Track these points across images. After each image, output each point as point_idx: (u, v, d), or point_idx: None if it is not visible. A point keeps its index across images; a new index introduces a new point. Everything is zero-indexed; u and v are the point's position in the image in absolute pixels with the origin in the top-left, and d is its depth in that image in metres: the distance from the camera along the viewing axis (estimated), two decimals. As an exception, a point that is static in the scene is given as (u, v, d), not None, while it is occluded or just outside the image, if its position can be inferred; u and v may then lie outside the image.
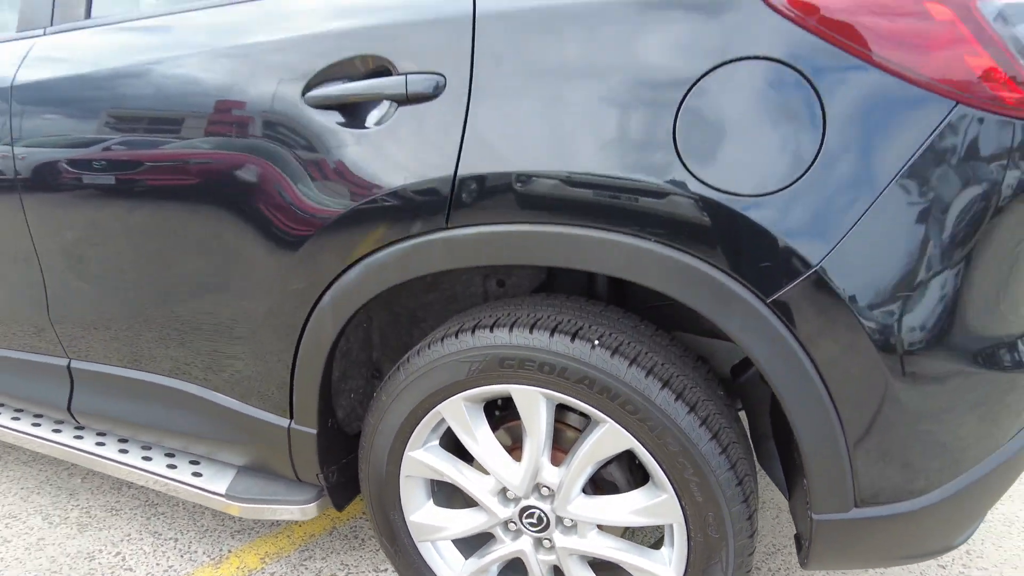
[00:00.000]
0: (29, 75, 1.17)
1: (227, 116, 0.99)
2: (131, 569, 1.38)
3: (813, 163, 0.73)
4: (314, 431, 1.11)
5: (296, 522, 1.52)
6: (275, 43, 0.95)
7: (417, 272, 0.92)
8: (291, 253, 0.98)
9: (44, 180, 1.18)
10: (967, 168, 0.72)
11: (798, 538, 0.97)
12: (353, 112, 0.91)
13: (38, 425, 1.47)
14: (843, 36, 0.72)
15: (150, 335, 1.20)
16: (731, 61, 0.74)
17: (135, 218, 1.11)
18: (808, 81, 0.73)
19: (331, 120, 0.92)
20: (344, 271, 0.96)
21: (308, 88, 0.93)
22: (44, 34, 1.19)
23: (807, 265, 0.74)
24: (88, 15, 1.17)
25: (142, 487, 1.65)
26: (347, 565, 1.38)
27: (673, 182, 0.76)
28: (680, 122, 0.76)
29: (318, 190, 0.94)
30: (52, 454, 1.42)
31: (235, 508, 1.23)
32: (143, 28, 1.10)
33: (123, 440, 1.41)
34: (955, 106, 0.71)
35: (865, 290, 0.74)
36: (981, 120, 0.71)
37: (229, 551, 1.43)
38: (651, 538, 1.12)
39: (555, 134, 0.80)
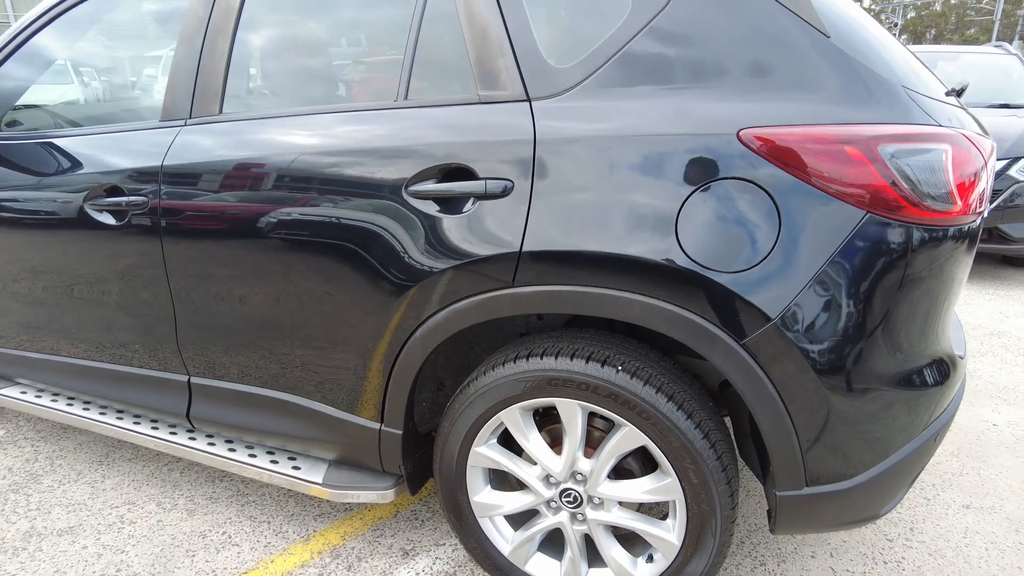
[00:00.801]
0: (174, 159, 1.49)
1: (342, 195, 1.32)
2: (237, 545, 1.70)
3: (772, 250, 1.07)
4: (400, 432, 1.45)
5: (367, 507, 1.85)
6: (384, 149, 1.29)
7: (488, 316, 1.26)
8: (394, 300, 1.31)
9: (183, 235, 1.50)
10: (874, 255, 1.06)
11: (769, 512, 1.31)
12: (444, 202, 1.25)
13: (156, 428, 1.80)
14: (790, 163, 1.06)
15: (266, 358, 1.53)
16: (716, 179, 1.08)
17: (261, 266, 1.44)
18: (768, 194, 1.07)
19: (427, 207, 1.26)
20: (433, 314, 1.29)
21: (409, 184, 1.26)
22: (185, 125, 1.52)
23: (767, 319, 1.08)
24: (220, 111, 1.50)
25: (233, 480, 1.97)
26: (412, 540, 1.72)
27: (674, 261, 1.10)
28: (680, 220, 1.10)
29: (417, 255, 1.27)
30: (170, 452, 1.75)
31: (330, 494, 1.56)
32: (268, 125, 1.43)
33: (228, 440, 1.74)
34: (866, 214, 1.05)
35: (806, 335, 1.08)
36: (882, 223, 1.05)
37: (314, 531, 1.76)
38: (659, 513, 1.45)
39: (590, 225, 1.14)
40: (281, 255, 1.41)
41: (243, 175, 1.42)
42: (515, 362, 1.30)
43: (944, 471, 2.03)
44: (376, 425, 1.47)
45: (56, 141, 1.70)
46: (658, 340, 1.41)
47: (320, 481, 1.57)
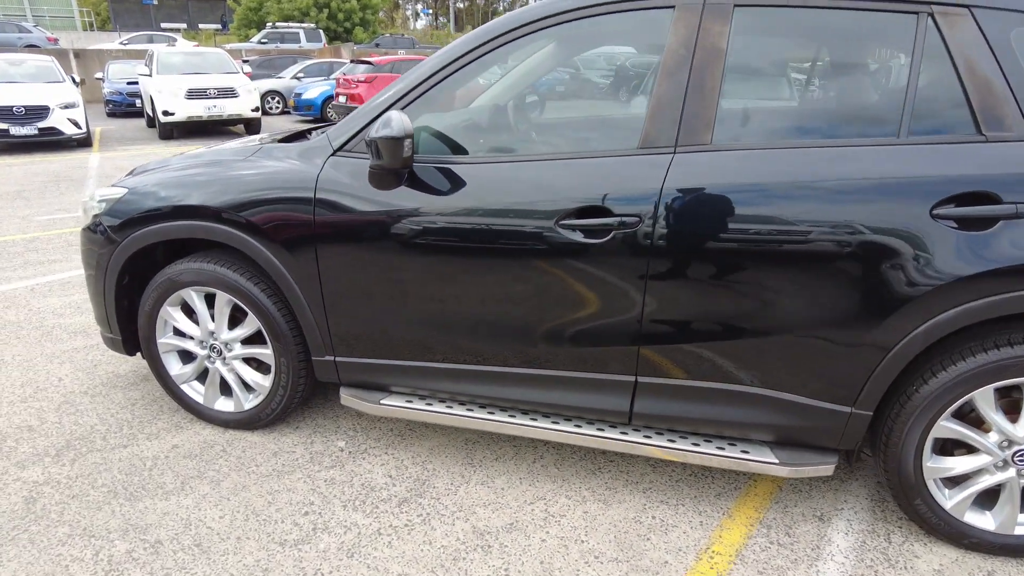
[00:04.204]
0: (675, 183, 1.68)
1: (862, 215, 1.59)
2: (676, 526, 1.91)
3: None
4: (870, 413, 1.73)
5: (754, 483, 2.09)
6: (907, 178, 1.57)
7: (996, 314, 1.57)
8: (904, 302, 1.60)
9: (678, 251, 1.70)
10: None
11: None
12: (963, 221, 1.54)
13: (580, 427, 1.96)
14: None
15: (738, 356, 1.76)
16: None
17: (763, 278, 1.66)
18: None
19: (950, 225, 1.56)
20: (943, 312, 1.59)
21: (935, 207, 1.55)
22: (675, 153, 1.71)
23: None
24: (711, 141, 1.71)
25: (612, 471, 2.14)
26: (815, 508, 1.99)
27: None
28: None
29: (937, 265, 1.57)
30: (612, 448, 1.92)
31: (787, 471, 1.81)
32: (771, 155, 1.66)
33: (659, 433, 1.94)
34: None
35: None
36: None
37: (728, 507, 1.99)
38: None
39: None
40: (783, 269, 1.65)
41: (759, 198, 1.65)
42: (998, 349, 1.63)
43: None
44: (847, 408, 1.74)
45: (511, 165, 1.83)
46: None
47: (777, 461, 1.82)
